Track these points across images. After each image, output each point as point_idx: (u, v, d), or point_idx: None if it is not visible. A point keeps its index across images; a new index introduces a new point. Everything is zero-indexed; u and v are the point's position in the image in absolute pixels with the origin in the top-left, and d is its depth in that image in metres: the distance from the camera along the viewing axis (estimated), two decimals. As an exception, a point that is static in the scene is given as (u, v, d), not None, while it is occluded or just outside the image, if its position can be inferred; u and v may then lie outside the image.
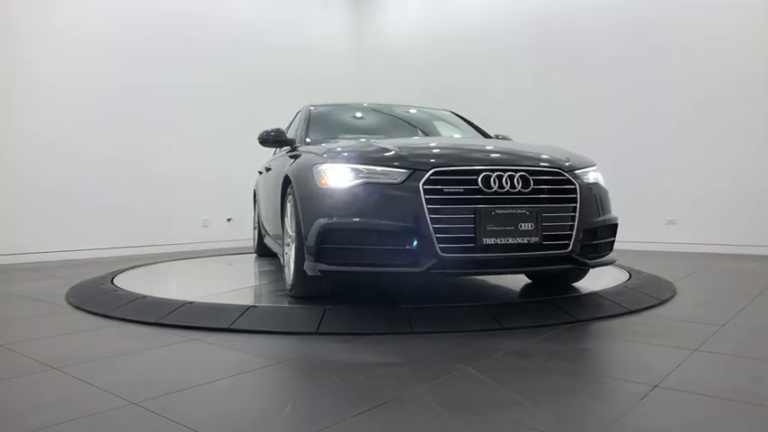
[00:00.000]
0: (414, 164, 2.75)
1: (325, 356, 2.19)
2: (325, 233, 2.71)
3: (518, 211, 2.70)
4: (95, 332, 2.67)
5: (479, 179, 2.69)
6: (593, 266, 3.01)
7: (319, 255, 2.73)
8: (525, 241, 2.70)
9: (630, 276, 3.90)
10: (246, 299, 3.32)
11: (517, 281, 3.89)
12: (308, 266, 2.80)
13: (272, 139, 3.77)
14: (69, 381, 1.92)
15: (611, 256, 3.21)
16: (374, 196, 2.70)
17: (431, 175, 2.67)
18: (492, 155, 3.03)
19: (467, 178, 2.70)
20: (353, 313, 2.78)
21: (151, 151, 6.64)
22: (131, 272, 4.46)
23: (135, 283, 3.73)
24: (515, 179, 2.73)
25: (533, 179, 2.77)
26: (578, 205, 2.83)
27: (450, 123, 4.53)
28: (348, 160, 2.86)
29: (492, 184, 2.69)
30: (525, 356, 2.17)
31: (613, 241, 3.25)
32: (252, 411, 1.65)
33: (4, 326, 2.84)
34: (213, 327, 2.65)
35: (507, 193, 2.70)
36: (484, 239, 2.64)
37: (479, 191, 2.68)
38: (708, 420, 1.56)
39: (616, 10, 7.01)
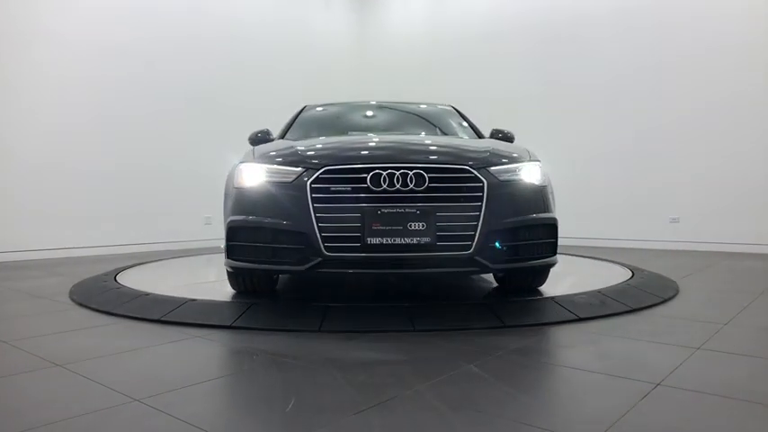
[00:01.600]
0: (307, 163, 2.79)
1: (327, 354, 2.19)
2: (231, 231, 2.86)
3: (407, 210, 2.62)
4: (99, 329, 2.67)
5: (368, 178, 2.66)
6: (498, 271, 2.77)
7: (229, 252, 2.88)
8: (415, 241, 2.61)
9: (633, 275, 3.89)
10: (248, 297, 3.32)
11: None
12: (224, 263, 2.96)
13: (259, 139, 3.80)
14: (73, 378, 1.93)
15: (552, 258, 2.97)
16: (269, 195, 2.79)
17: (320, 174, 2.71)
18: (391, 153, 2.90)
19: (355, 177, 2.69)
20: (356, 311, 2.79)
21: (153, 149, 6.65)
22: (134, 269, 4.47)
23: (138, 281, 3.74)
24: (408, 177, 2.65)
25: (430, 176, 2.66)
26: (484, 204, 2.64)
27: (441, 120, 4.38)
28: (259, 160, 2.95)
29: (381, 182, 2.65)
30: (528, 354, 2.17)
31: (552, 243, 2.95)
32: (254, 409, 1.65)
33: (9, 323, 2.86)
34: (215, 324, 2.65)
35: (397, 191, 2.64)
36: (368, 239, 2.61)
37: (367, 189, 2.66)
38: (710, 419, 1.56)
39: (619, 8, 6.99)
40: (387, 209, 2.62)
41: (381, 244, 2.61)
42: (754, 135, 6.10)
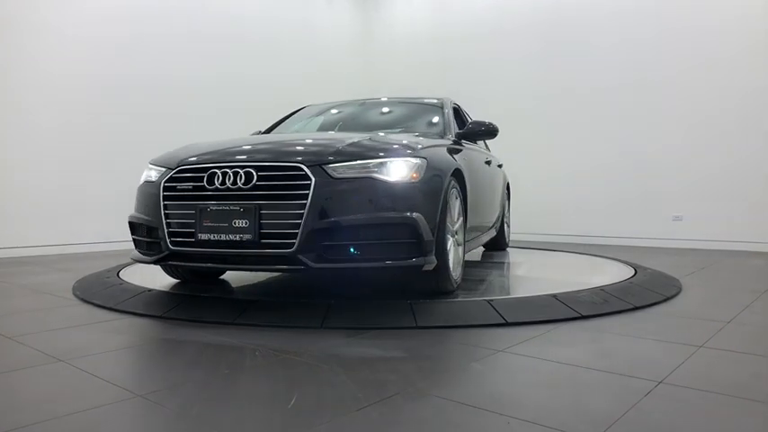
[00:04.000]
0: (171, 163, 2.99)
1: (329, 350, 2.20)
2: (129, 226, 3.21)
3: (231, 207, 2.67)
4: (102, 325, 2.68)
5: (206, 177, 2.78)
6: (322, 271, 2.63)
7: (134, 244, 3.23)
8: (238, 238, 2.65)
9: (636, 272, 3.89)
10: (250, 293, 3.33)
11: (519, 278, 3.89)
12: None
13: None
14: (76, 373, 1.93)
15: (408, 261, 2.70)
16: (144, 193, 3.07)
17: (174, 174, 2.89)
18: (230, 152, 2.94)
19: (196, 176, 2.83)
20: (358, 308, 2.79)
21: (155, 147, 6.63)
22: (138, 265, 4.47)
23: (141, 277, 3.74)
24: (239, 175, 2.71)
25: (260, 175, 2.68)
26: (309, 201, 2.57)
27: (417, 115, 4.31)
28: (152, 160, 3.21)
29: (215, 181, 2.75)
30: (530, 352, 2.17)
31: (411, 243, 2.70)
32: (256, 405, 1.65)
33: (12, 318, 2.87)
34: (218, 321, 2.66)
35: (226, 189, 2.71)
36: (200, 235, 2.73)
37: (203, 188, 2.77)
38: (713, 417, 1.56)
39: (622, 9, 6.97)
40: (215, 206, 2.72)
41: (210, 240, 2.71)
42: (758, 133, 6.08)
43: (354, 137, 3.12)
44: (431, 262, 2.76)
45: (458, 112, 4.60)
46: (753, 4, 6.11)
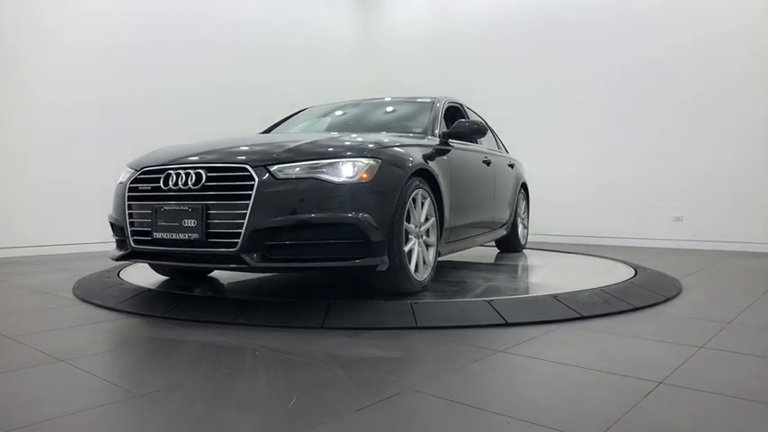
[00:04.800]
0: (136, 165, 3.14)
1: (329, 351, 2.20)
2: (110, 224, 3.31)
3: (181, 207, 2.76)
4: (102, 325, 2.68)
5: (162, 178, 2.89)
6: (261, 270, 2.76)
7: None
8: (186, 237, 2.74)
9: (636, 273, 3.89)
10: (250, 293, 3.32)
11: (519, 278, 3.88)
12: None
13: None
14: (76, 373, 1.93)
15: (353, 262, 2.71)
16: (116, 193, 3.19)
17: (138, 175, 3.02)
18: (192, 153, 2.98)
19: (155, 177, 2.94)
20: (359, 308, 2.79)
21: (155, 148, 6.65)
22: (137, 265, 4.47)
23: (141, 277, 3.74)
24: (191, 176, 2.79)
25: (209, 176, 2.75)
26: (252, 202, 2.61)
27: (406, 114, 4.29)
28: (129, 163, 3.30)
29: (169, 182, 2.85)
30: (530, 352, 2.16)
31: (359, 244, 2.71)
32: (256, 405, 1.65)
33: (13, 318, 2.87)
34: (218, 321, 2.66)
35: (178, 190, 2.80)
36: (155, 234, 2.85)
37: (159, 189, 2.89)
38: (713, 417, 1.55)
39: (625, 6, 6.96)
40: (167, 206, 2.82)
41: (163, 239, 2.82)
42: (759, 134, 6.08)
43: (309, 138, 3.15)
44: (381, 263, 2.76)
45: (458, 110, 4.57)
46: (754, 4, 6.11)
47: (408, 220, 3.01)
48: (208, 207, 2.70)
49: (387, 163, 2.88)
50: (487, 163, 4.51)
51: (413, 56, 8.83)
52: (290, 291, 3.38)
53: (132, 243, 2.96)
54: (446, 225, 3.51)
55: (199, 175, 2.78)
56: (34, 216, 5.73)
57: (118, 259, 3.09)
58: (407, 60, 8.86)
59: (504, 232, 5.15)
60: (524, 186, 5.72)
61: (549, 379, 1.87)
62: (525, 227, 5.83)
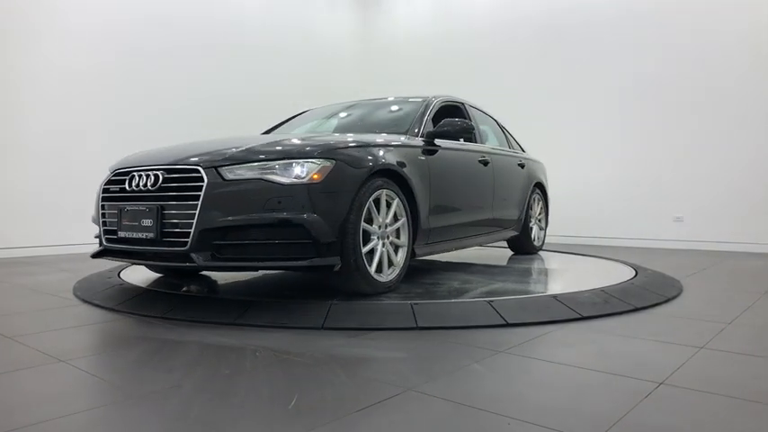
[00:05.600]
0: (112, 167, 3.27)
1: (330, 351, 2.20)
2: None
3: (140, 207, 2.89)
4: (102, 325, 2.68)
5: (127, 179, 3.02)
6: (207, 268, 2.87)
7: None
8: (144, 236, 2.86)
9: (637, 273, 3.89)
10: (250, 293, 3.32)
11: (519, 278, 3.88)
12: None
13: None
14: (76, 373, 1.93)
15: (300, 262, 2.75)
16: (96, 195, 3.28)
17: (111, 177, 3.17)
18: (156, 155, 3.13)
19: (122, 178, 3.08)
20: (359, 308, 2.79)
21: (155, 146, 6.65)
22: (138, 266, 4.48)
23: (142, 277, 3.75)
24: (150, 178, 2.90)
25: (165, 177, 2.86)
26: (200, 202, 2.68)
27: (397, 114, 4.29)
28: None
29: (132, 183, 2.98)
30: (530, 352, 2.17)
31: (306, 245, 2.73)
32: (256, 405, 1.65)
33: (13, 318, 2.87)
34: (218, 321, 2.66)
35: (140, 191, 2.93)
36: (119, 233, 2.99)
37: (124, 190, 3.02)
38: (713, 418, 1.55)
39: (625, 7, 6.97)
40: (129, 206, 2.96)
41: (126, 237, 2.96)
42: (759, 134, 6.08)
43: (266, 139, 3.19)
44: (331, 263, 2.77)
45: (458, 109, 4.53)
46: (753, 5, 6.11)
47: (372, 221, 3.01)
48: (163, 207, 2.80)
49: (342, 164, 2.89)
50: (485, 163, 4.41)
51: (413, 55, 8.83)
52: (291, 291, 3.38)
53: (104, 241, 3.11)
54: (424, 226, 3.46)
55: (156, 177, 2.88)
56: (34, 216, 5.73)
57: (92, 256, 3.22)
58: (408, 60, 8.86)
59: (513, 233, 5.05)
60: (540, 187, 5.60)
61: (549, 379, 1.87)
62: (542, 228, 5.68)
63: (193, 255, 2.68)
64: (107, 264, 4.58)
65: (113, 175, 3.15)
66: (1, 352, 2.22)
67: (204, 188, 2.70)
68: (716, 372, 1.95)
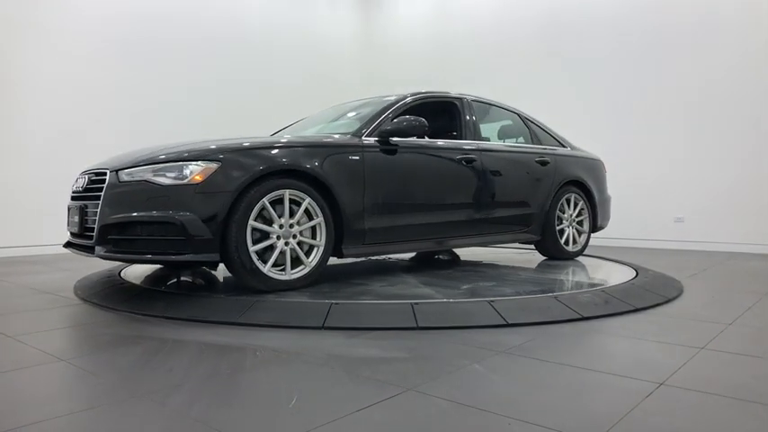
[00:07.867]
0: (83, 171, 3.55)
1: (330, 351, 2.20)
2: None
3: (74, 206, 3.31)
4: (102, 325, 2.68)
5: (75, 182, 3.43)
6: (106, 258, 3.11)
7: None
8: (75, 230, 3.30)
9: (637, 274, 3.88)
10: (251, 293, 3.32)
11: (521, 277, 3.88)
12: None
13: None
14: (76, 373, 1.93)
15: (173, 257, 2.93)
16: None
17: (78, 177, 3.47)
18: (111, 159, 3.43)
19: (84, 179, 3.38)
20: (359, 308, 2.79)
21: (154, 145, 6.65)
22: (138, 265, 4.48)
23: (142, 277, 3.75)
24: (84, 180, 3.30)
25: (90, 179, 3.24)
26: (101, 202, 3.02)
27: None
28: None
29: (75, 185, 3.42)
30: (531, 353, 2.16)
31: (180, 241, 2.89)
32: (257, 405, 1.65)
33: (13, 318, 2.87)
34: (219, 320, 2.66)
35: (76, 192, 3.38)
36: (67, 228, 3.47)
37: (72, 191, 3.46)
38: (714, 419, 1.55)
39: (626, 7, 6.96)
40: (70, 205, 3.41)
41: (71, 232, 3.40)
42: (761, 135, 6.07)
43: (179, 144, 3.36)
44: (210, 259, 2.98)
45: (454, 106, 4.44)
46: (753, 6, 6.10)
47: (272, 222, 3.09)
48: (86, 206, 3.19)
49: (228, 165, 3.01)
50: (468, 160, 4.13)
51: (415, 56, 8.82)
52: (290, 291, 3.38)
53: (69, 236, 3.50)
54: (356, 226, 3.42)
55: (85, 180, 3.28)
56: (34, 216, 5.73)
57: (63, 246, 3.57)
58: (409, 60, 8.86)
59: (530, 237, 4.64)
60: (580, 185, 5.02)
61: (549, 379, 1.87)
62: (583, 232, 5.11)
63: (97, 247, 3.04)
64: (107, 263, 4.58)
65: (79, 176, 3.50)
66: (1, 351, 2.22)
67: (104, 189, 3.05)
68: (716, 372, 1.95)
